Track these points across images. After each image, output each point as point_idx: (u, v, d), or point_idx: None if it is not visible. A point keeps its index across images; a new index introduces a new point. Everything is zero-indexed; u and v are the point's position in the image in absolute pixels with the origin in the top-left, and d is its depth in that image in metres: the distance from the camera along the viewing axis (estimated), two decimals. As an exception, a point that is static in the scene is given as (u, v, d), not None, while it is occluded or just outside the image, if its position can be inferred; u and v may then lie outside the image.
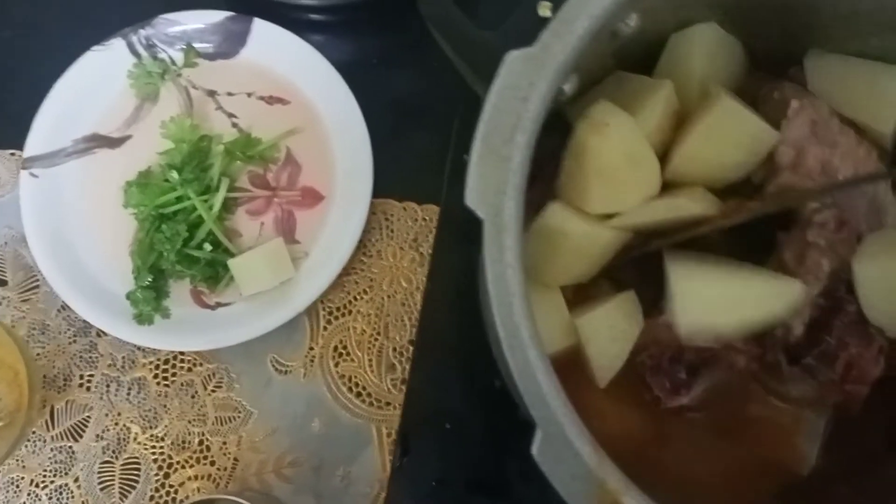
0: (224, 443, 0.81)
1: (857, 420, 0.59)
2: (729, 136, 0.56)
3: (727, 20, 0.60)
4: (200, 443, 0.81)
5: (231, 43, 0.87)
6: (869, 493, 0.57)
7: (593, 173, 0.53)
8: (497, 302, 0.44)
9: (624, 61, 0.60)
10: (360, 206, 0.83)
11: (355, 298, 0.85)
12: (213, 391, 0.82)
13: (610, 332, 0.57)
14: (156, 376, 0.82)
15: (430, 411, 0.75)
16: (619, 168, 0.54)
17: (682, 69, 0.60)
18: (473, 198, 0.44)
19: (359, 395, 0.82)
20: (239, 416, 0.81)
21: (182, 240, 0.80)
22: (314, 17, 0.92)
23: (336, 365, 0.83)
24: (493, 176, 0.45)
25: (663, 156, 0.58)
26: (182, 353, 0.83)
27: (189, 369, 0.82)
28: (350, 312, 0.84)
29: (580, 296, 0.61)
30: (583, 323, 0.58)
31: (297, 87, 0.87)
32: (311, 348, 0.83)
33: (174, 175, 0.81)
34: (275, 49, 0.87)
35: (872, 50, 0.59)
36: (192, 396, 0.82)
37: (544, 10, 0.50)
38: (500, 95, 0.45)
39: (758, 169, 0.59)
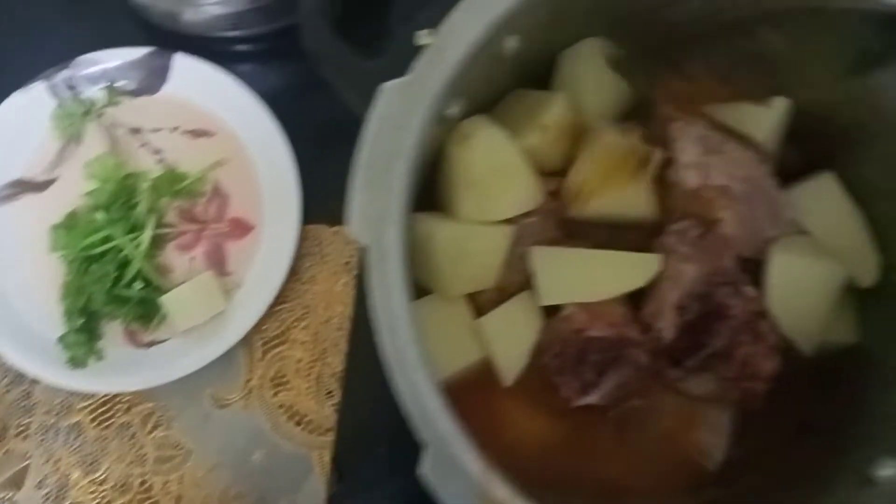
0: (166, 482, 0.80)
1: (765, 410, 0.59)
2: (610, 164, 0.57)
3: (611, 33, 0.60)
4: (142, 483, 0.80)
5: (153, 79, 0.87)
6: (780, 477, 0.58)
7: (462, 184, 0.54)
8: (383, 326, 0.44)
9: (524, 77, 0.61)
10: (289, 233, 0.83)
11: (291, 326, 0.85)
12: (152, 430, 0.81)
13: (510, 330, 0.58)
14: (93, 420, 0.82)
15: (364, 436, 0.75)
16: (487, 179, 0.55)
17: (573, 84, 0.60)
18: (356, 226, 0.45)
19: (299, 423, 0.82)
20: (179, 454, 0.81)
21: (111, 280, 0.80)
22: (238, 48, 0.93)
23: (274, 395, 0.83)
24: (374, 204, 0.45)
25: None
26: (119, 395, 0.82)
27: (126, 410, 0.82)
28: (286, 341, 0.84)
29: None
30: (483, 325, 0.59)
31: (222, 118, 0.87)
32: (249, 380, 0.83)
33: (100, 215, 0.81)
34: (197, 82, 0.87)
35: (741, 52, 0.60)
36: (132, 437, 0.81)
37: (423, 39, 0.50)
38: (378, 126, 0.45)
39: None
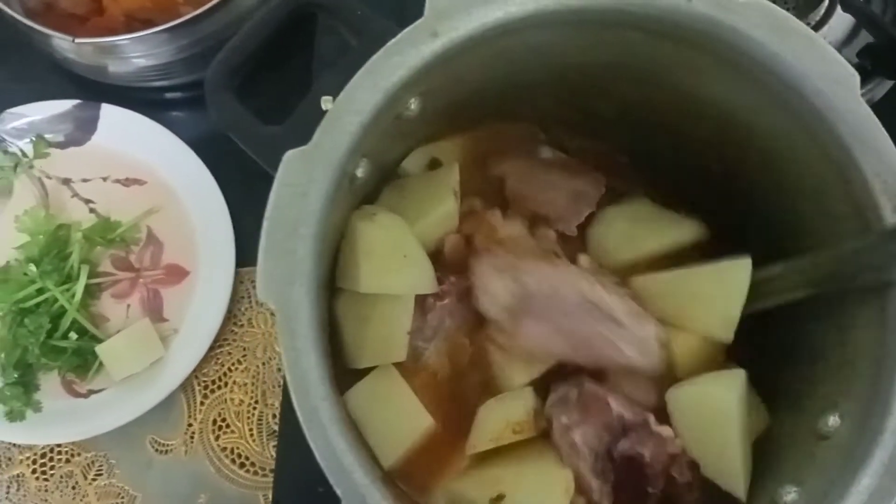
0: (110, 530, 0.81)
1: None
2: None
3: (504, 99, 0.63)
4: (86, 533, 0.81)
5: (81, 130, 0.88)
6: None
7: (362, 255, 0.55)
8: (294, 387, 0.45)
9: (431, 132, 0.63)
10: (225, 277, 0.84)
11: (230, 369, 0.85)
12: (94, 479, 0.82)
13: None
14: (34, 471, 0.82)
15: (302, 475, 0.76)
16: (389, 255, 0.56)
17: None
18: (263, 290, 0.46)
19: (242, 465, 0.82)
20: (123, 502, 0.81)
21: (46, 332, 0.80)
22: (167, 96, 0.93)
23: (217, 438, 0.83)
24: (280, 268, 0.46)
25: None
26: (59, 445, 0.82)
27: (67, 460, 0.82)
28: (226, 384, 0.85)
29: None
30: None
31: (152, 166, 0.88)
32: (190, 424, 0.83)
33: (32, 268, 0.81)
34: (126, 131, 0.88)
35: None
36: (73, 487, 0.81)
37: (326, 104, 0.52)
38: (280, 193, 0.47)
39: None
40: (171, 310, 0.85)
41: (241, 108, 0.58)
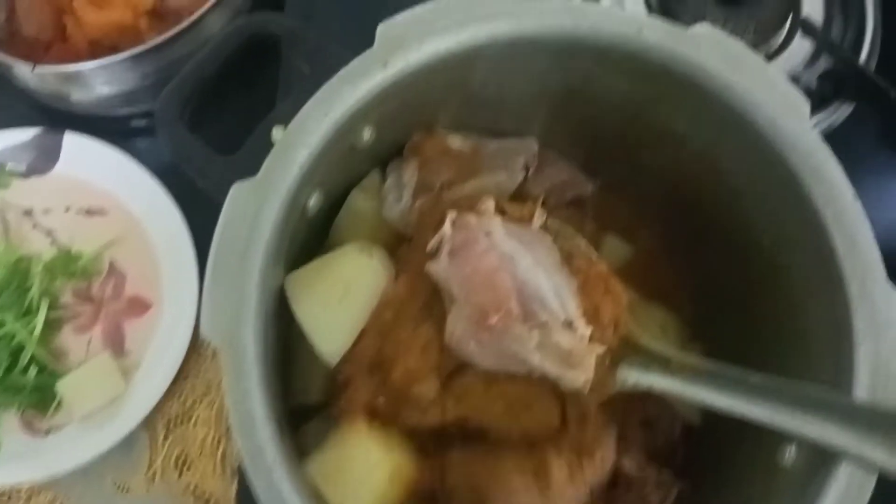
0: (69, 571, 0.78)
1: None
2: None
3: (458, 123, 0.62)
4: (45, 574, 0.78)
5: (43, 159, 0.87)
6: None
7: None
8: (238, 427, 0.44)
9: (382, 160, 0.62)
10: (189, 309, 0.82)
11: (194, 403, 0.83)
12: (53, 520, 0.79)
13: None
14: (-10, 512, 0.79)
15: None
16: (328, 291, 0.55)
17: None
18: (207, 327, 0.45)
19: (206, 502, 0.80)
20: (82, 543, 0.79)
21: (4, 367, 0.78)
22: (133, 124, 0.92)
23: (180, 476, 0.81)
24: (225, 305, 0.45)
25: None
26: (18, 484, 0.80)
27: (27, 500, 0.80)
28: (190, 419, 0.83)
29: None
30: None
31: (115, 196, 0.86)
32: (152, 462, 0.81)
33: (-10, 302, 0.79)
34: (89, 161, 0.86)
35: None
36: (31, 528, 0.79)
37: (277, 134, 0.51)
38: (227, 225, 0.46)
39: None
40: (134, 343, 0.83)
41: (192, 138, 0.57)
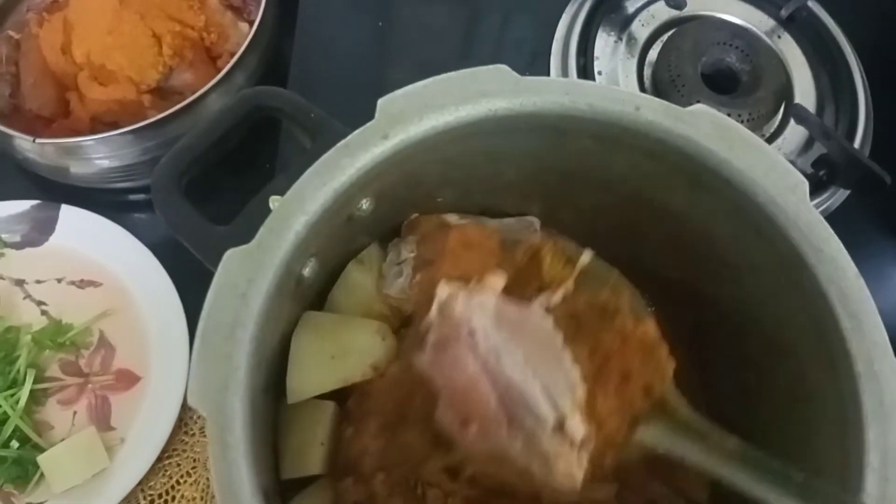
0: None
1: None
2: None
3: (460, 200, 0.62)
4: None
5: (39, 230, 0.87)
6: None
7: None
8: (222, 500, 0.42)
9: (381, 232, 0.61)
10: (178, 384, 0.80)
11: (178, 482, 0.81)
12: None
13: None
14: (-37, 593, 0.76)
15: None
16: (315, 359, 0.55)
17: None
18: (195, 397, 0.43)
19: (187, 588, 0.77)
20: None
21: (-14, 440, 0.76)
22: (131, 197, 0.92)
23: (161, 558, 0.78)
24: (214, 374, 0.44)
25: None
26: (-9, 563, 0.77)
27: (0, 580, 0.77)
28: (173, 498, 0.81)
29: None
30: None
31: (109, 268, 0.86)
32: (133, 542, 0.79)
33: (-24, 373, 0.78)
34: (85, 233, 0.86)
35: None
36: None
37: (273, 203, 0.51)
38: (218, 293, 0.45)
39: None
40: (119, 418, 0.81)
41: (188, 206, 0.56)
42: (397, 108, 0.51)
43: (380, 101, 0.51)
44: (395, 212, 0.57)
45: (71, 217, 0.86)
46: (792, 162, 0.79)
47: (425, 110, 0.51)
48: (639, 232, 0.60)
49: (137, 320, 0.84)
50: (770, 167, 0.50)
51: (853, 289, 0.48)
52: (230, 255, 0.45)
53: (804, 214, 0.49)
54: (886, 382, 0.46)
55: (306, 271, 0.51)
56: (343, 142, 0.49)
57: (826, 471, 0.48)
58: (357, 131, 0.50)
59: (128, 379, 0.83)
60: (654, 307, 0.60)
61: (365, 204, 0.53)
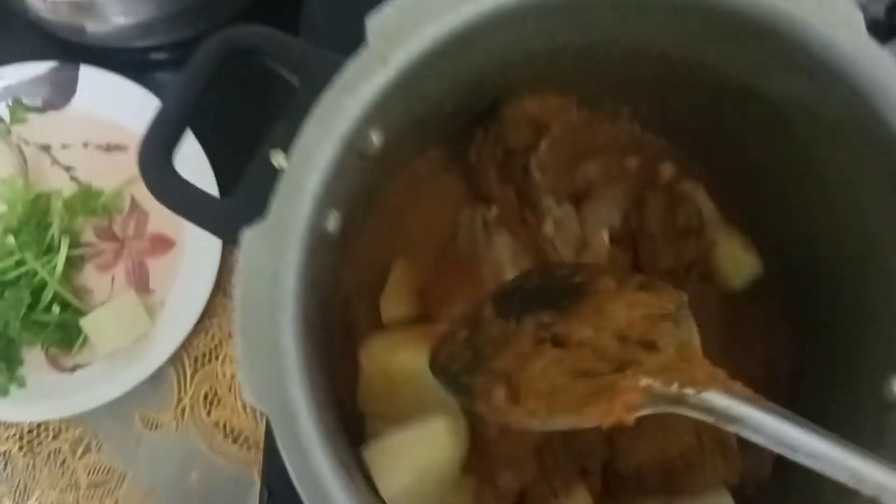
0: (101, 507, 0.80)
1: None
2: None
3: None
4: (76, 509, 0.80)
5: (60, 93, 0.83)
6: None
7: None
8: (305, 492, 0.42)
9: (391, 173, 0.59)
10: (213, 246, 0.80)
11: (221, 342, 0.83)
12: (83, 456, 0.81)
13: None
14: (21, 448, 0.81)
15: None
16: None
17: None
18: (250, 394, 0.41)
19: (235, 440, 0.82)
20: (113, 479, 0.81)
21: (27, 305, 0.78)
22: (152, 56, 0.87)
23: (208, 413, 0.82)
24: (265, 367, 0.42)
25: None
26: (46, 421, 0.81)
27: (55, 437, 0.81)
28: (217, 357, 0.83)
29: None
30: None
31: (135, 131, 0.83)
32: (180, 399, 0.82)
33: (11, 239, 0.78)
34: (106, 95, 0.83)
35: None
36: (62, 464, 0.81)
37: (279, 161, 0.47)
38: (247, 280, 0.42)
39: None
40: (158, 281, 0.82)
41: (185, 183, 0.53)
42: (392, 26, 0.45)
43: (368, 21, 0.45)
44: (405, 135, 0.52)
45: (91, 78, 0.82)
46: (863, 7, 0.73)
47: (421, 20, 0.45)
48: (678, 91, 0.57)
49: (168, 184, 0.82)
50: (817, 4, 0.45)
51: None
52: (249, 235, 0.42)
53: (862, 48, 0.44)
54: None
55: (330, 225, 0.47)
56: (339, 78, 0.44)
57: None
58: (352, 61, 0.44)
59: (163, 243, 0.83)
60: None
61: (374, 137, 0.48)
